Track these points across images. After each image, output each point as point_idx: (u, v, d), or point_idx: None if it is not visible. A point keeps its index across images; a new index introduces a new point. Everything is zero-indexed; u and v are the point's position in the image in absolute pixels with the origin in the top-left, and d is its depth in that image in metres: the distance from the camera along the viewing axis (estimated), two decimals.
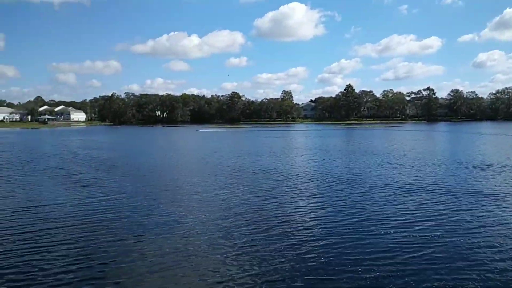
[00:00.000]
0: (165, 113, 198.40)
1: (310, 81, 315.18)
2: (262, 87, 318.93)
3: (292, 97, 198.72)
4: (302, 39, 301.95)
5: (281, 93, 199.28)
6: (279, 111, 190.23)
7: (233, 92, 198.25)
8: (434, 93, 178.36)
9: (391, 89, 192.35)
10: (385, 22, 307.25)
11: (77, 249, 9.90)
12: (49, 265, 8.88)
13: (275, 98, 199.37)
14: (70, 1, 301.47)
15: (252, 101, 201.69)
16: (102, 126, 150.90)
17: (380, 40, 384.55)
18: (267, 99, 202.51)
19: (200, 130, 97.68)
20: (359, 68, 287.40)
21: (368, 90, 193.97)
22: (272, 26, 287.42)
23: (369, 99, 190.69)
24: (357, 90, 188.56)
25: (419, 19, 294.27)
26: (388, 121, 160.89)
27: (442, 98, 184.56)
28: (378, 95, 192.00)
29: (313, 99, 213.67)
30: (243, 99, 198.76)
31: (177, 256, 9.44)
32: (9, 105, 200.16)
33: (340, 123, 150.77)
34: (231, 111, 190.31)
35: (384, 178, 20.87)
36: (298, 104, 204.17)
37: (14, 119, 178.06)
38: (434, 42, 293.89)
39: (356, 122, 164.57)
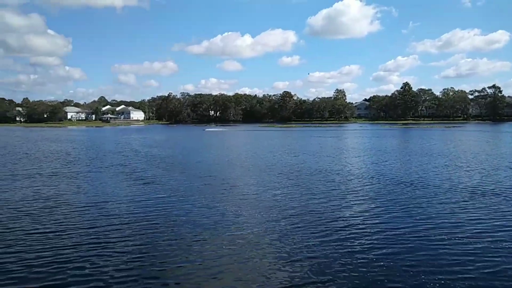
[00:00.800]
0: (218, 113, 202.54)
1: (364, 80, 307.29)
2: (314, 86, 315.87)
3: (345, 96, 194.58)
4: (356, 36, 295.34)
5: (334, 92, 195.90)
6: (331, 110, 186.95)
7: (284, 92, 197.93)
8: (500, 91, 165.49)
9: (452, 87, 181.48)
10: (447, 16, 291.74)
11: (136, 246, 10.10)
12: (108, 262, 9.10)
13: (327, 97, 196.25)
14: (131, 5, 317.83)
15: (304, 100, 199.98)
16: (159, 125, 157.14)
17: (440, 35, 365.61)
18: (319, 98, 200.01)
19: (207, 129, 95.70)
20: (417, 66, 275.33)
21: (427, 89, 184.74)
22: (325, 24, 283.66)
23: (427, 98, 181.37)
24: (414, 88, 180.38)
25: (484, 12, 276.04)
26: (448, 121, 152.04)
27: (509, 96, 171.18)
28: (437, 93, 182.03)
29: (367, 97, 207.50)
30: (295, 98, 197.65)
31: (234, 257, 9.34)
32: (76, 104, 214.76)
33: (396, 123, 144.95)
34: (282, 111, 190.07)
35: (450, 181, 19.54)
36: (352, 103, 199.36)
37: (80, 118, 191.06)
38: (501, 37, 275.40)
39: (413, 121, 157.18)
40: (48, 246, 10.11)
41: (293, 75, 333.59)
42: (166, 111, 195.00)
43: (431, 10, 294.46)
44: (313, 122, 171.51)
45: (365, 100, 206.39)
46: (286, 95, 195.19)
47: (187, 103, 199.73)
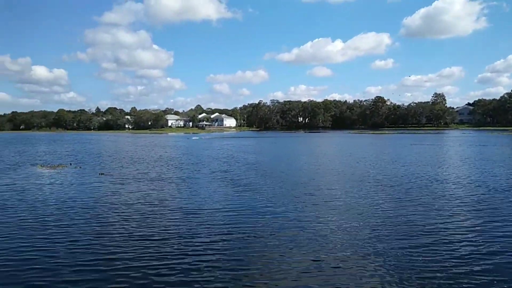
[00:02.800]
0: (306, 119, 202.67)
1: (467, 82, 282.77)
2: (409, 90, 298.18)
3: (444, 100, 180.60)
4: (458, 35, 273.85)
5: (432, 96, 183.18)
6: (429, 116, 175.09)
7: (377, 97, 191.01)
8: None
9: None
10: None
11: (226, 256, 10.34)
12: (196, 271, 9.35)
13: (424, 102, 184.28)
14: (226, 17, 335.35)
15: (398, 106, 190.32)
16: (250, 132, 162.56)
17: None
18: (415, 102, 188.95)
19: (193, 138, 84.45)
20: None
21: None
22: (423, 24, 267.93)
23: None
24: None
25: None
26: None
27: None
28: None
29: (471, 102, 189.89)
30: (388, 103, 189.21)
31: (324, 268, 9.79)
32: (176, 113, 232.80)
33: (506, 129, 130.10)
34: (374, 116, 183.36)
35: None
36: (453, 108, 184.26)
37: (179, 125, 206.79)
38: None
39: None
40: (148, 250, 10.90)
41: (386, 79, 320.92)
42: (256, 118, 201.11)
43: None
44: (408, 128, 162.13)
45: (468, 104, 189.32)
46: (379, 100, 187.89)
47: (277, 110, 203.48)
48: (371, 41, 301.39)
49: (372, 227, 12.93)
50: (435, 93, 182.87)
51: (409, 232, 12.26)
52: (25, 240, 11.77)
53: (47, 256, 10.34)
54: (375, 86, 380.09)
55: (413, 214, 14.62)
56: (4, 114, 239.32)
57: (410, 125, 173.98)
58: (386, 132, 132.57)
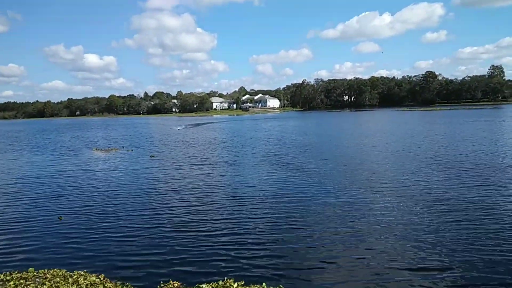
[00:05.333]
0: (352, 97, 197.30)
1: None
2: (463, 63, 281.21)
3: (503, 72, 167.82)
4: None
5: (489, 69, 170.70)
6: (485, 90, 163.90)
7: (427, 71, 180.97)
8: None
9: None
10: None
11: (273, 237, 10.75)
12: (245, 251, 9.74)
13: (480, 75, 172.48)
14: None
15: (451, 80, 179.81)
16: (294, 112, 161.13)
17: None
18: (469, 76, 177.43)
19: (177, 128, 68.81)
20: None
21: None
22: None
23: None
24: None
25: None
26: None
27: None
28: None
29: None
30: (440, 78, 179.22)
31: (387, 253, 9.60)
32: (220, 95, 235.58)
33: None
34: (424, 92, 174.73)
35: None
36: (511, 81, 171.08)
37: (223, 107, 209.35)
38: None
39: None
40: (197, 234, 11.41)
41: (438, 53, 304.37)
42: (300, 98, 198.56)
43: None
44: (461, 104, 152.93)
45: None
46: (429, 75, 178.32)
47: (321, 89, 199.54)
48: (422, 12, 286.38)
49: (434, 212, 12.45)
50: (492, 65, 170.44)
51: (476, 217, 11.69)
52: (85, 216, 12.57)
53: (108, 228, 11.00)
54: (426, 60, 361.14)
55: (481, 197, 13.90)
56: (61, 101, 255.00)
57: (463, 101, 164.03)
58: (438, 108, 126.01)
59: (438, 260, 8.57)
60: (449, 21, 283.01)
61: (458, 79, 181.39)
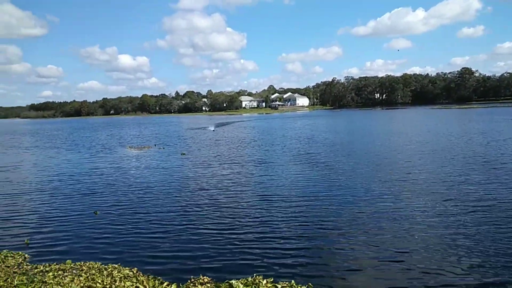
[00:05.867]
0: (384, 95, 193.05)
1: None
2: (502, 59, 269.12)
3: None
4: None
5: None
6: None
7: (463, 68, 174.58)
8: None
9: None
10: None
11: (305, 244, 10.72)
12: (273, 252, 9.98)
13: None
14: None
15: (489, 77, 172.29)
16: (324, 110, 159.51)
17: None
18: (508, 73, 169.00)
19: (212, 129, 62.17)
20: None
21: None
22: None
23: None
24: None
25: None
26: None
27: None
28: None
29: None
30: (476, 75, 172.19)
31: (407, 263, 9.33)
32: (249, 94, 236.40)
33: None
34: (460, 90, 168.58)
35: None
36: None
37: (252, 106, 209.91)
38: None
39: None
40: (224, 233, 11.67)
41: (474, 48, 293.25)
42: (330, 96, 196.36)
43: None
44: (500, 101, 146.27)
45: None
46: (465, 71, 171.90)
47: (351, 87, 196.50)
48: (458, 7, 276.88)
49: (472, 215, 12.02)
50: None
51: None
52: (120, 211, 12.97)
53: (141, 224, 11.30)
54: (462, 56, 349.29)
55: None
56: (96, 100, 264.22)
57: (502, 98, 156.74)
58: (475, 106, 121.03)
59: (473, 266, 8.22)
60: (486, 15, 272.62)
61: (496, 75, 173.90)
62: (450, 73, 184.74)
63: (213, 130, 35.18)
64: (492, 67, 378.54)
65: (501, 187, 14.65)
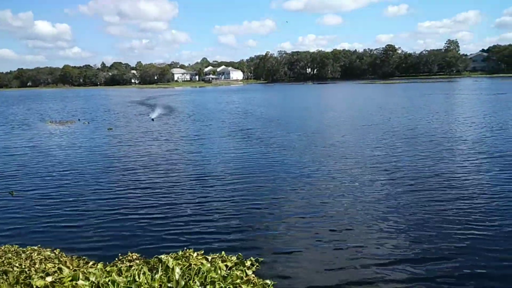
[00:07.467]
0: (315, 70, 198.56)
1: (483, 28, 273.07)
2: (422, 37, 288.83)
3: (458, 47, 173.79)
4: None
5: (445, 43, 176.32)
6: (441, 64, 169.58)
7: (387, 45, 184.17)
8: None
9: None
10: None
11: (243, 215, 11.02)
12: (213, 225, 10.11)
13: (437, 49, 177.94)
14: None
15: (410, 54, 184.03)
16: (258, 85, 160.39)
17: None
18: (427, 50, 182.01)
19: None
20: None
21: None
22: None
23: None
24: None
25: None
26: None
27: None
28: None
29: (486, 48, 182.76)
30: (399, 52, 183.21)
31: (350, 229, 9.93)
32: (181, 66, 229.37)
33: None
34: (384, 66, 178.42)
35: None
36: (466, 55, 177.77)
37: (185, 79, 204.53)
38: None
39: None
40: (155, 210, 11.57)
41: (398, 27, 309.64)
42: (263, 70, 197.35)
43: None
44: (419, 77, 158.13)
45: (483, 51, 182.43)
46: (389, 48, 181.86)
47: (284, 61, 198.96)
48: None
49: (392, 184, 12.98)
50: (448, 40, 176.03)
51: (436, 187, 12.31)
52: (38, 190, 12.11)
53: (62, 202, 10.67)
54: (387, 34, 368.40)
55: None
56: (10, 71, 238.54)
57: (421, 74, 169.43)
58: (397, 81, 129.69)
59: (402, 245, 8.45)
60: None
61: (416, 53, 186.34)
62: (376, 49, 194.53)
63: (153, 120, 32.98)
64: (414, 44, 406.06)
65: (426, 159, 16.03)
